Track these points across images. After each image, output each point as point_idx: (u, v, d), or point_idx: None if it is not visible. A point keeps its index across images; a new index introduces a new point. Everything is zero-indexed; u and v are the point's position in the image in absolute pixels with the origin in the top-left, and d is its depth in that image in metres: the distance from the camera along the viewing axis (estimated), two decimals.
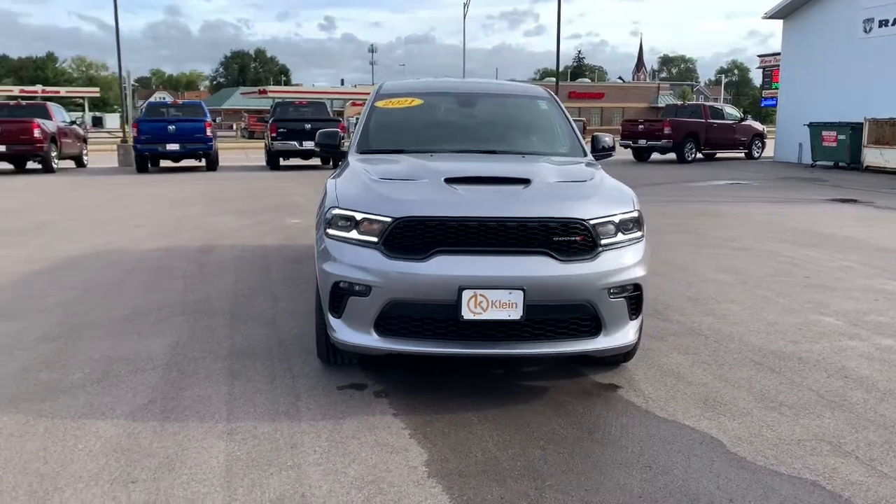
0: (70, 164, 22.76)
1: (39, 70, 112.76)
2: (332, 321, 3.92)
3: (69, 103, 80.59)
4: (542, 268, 3.70)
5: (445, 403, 3.86)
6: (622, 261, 3.86)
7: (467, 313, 3.67)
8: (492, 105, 5.65)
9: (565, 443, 3.43)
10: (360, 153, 4.96)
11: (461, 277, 3.66)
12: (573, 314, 3.80)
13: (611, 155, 5.30)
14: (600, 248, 3.82)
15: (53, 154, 20.26)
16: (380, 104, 5.44)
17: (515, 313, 3.67)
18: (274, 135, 20.96)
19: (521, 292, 3.64)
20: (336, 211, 3.94)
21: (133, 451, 3.30)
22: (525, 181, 4.09)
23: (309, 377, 4.23)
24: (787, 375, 4.32)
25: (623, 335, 3.92)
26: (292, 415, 3.71)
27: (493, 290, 3.65)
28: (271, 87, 73.58)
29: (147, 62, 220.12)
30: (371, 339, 3.82)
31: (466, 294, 3.65)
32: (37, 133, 19.08)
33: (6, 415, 3.69)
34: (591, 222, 3.81)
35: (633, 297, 3.93)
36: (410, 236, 3.76)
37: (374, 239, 3.80)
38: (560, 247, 3.77)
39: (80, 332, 5.05)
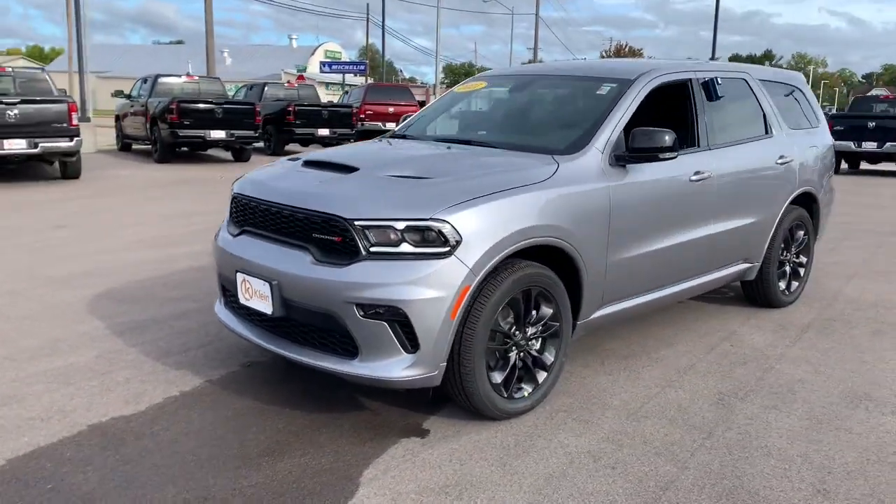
0: None
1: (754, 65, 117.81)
2: None
3: None
4: (296, 264, 3.33)
5: (259, 392, 3.79)
6: (385, 275, 3.12)
7: (242, 297, 3.60)
8: (538, 91, 4.67)
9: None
10: (388, 137, 4.86)
11: (238, 260, 3.61)
12: (328, 325, 3.29)
13: (655, 158, 3.87)
14: (363, 255, 3.17)
15: None
16: (457, 88, 5.12)
17: (268, 307, 3.43)
18: None
19: (268, 285, 3.37)
20: None
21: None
22: (352, 169, 3.60)
23: None
24: None
25: (385, 367, 3.18)
26: (164, 358, 4.22)
27: (254, 278, 3.48)
28: None
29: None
30: (220, 310, 4.02)
31: (239, 277, 3.59)
32: None
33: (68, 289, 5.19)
34: (358, 223, 3.18)
35: (403, 323, 3.13)
36: (233, 212, 3.84)
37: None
38: (322, 245, 3.30)
39: None
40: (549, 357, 3.66)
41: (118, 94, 18.67)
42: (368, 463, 3.09)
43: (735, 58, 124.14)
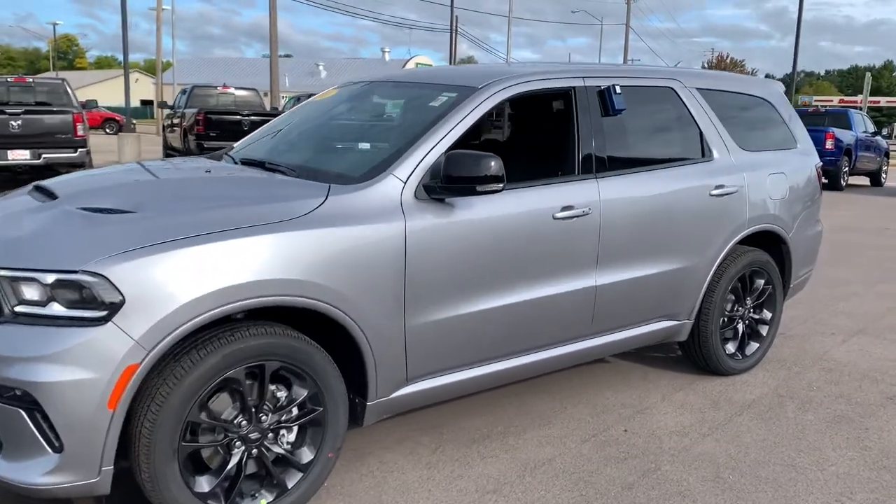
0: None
1: (858, 79, 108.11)
2: None
3: (891, 114, 75.67)
4: None
5: None
6: (21, 346, 2.32)
7: None
8: (375, 102, 3.78)
9: None
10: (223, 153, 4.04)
11: None
12: None
13: (473, 190, 2.91)
14: (7, 316, 2.39)
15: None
16: (316, 97, 4.28)
17: None
18: None
19: None
20: None
21: None
22: (53, 196, 2.82)
23: None
24: None
25: (23, 469, 2.37)
26: None
27: None
28: None
29: None
30: None
31: None
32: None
33: None
34: (2, 273, 2.40)
35: (40, 411, 2.31)
36: None
37: None
38: None
39: None
40: (307, 453, 2.76)
41: (163, 104, 18.74)
42: None
43: (854, 69, 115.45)
